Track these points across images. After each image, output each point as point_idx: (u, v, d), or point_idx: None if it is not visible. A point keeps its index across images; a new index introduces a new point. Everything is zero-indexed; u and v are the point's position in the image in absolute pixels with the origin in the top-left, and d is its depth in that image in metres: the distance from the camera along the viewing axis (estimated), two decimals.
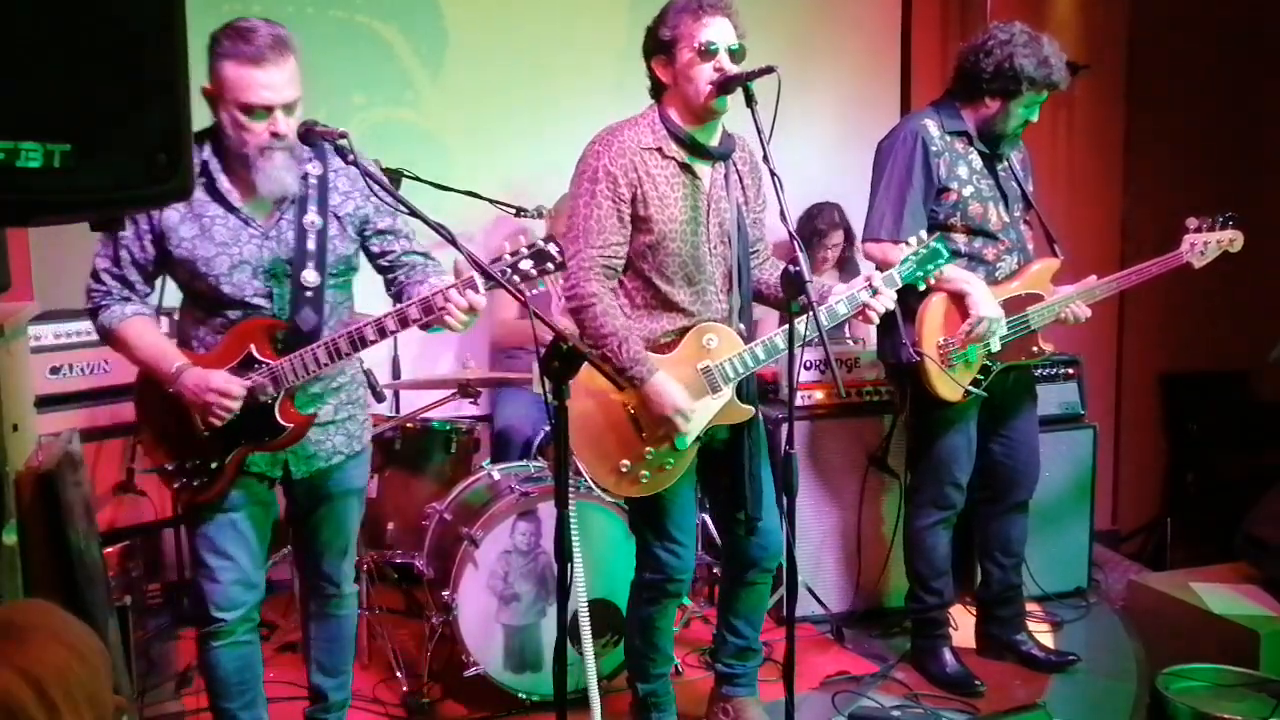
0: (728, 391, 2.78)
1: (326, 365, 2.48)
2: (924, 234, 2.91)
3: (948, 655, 3.50)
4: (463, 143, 4.48)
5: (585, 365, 2.50)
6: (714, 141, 2.79)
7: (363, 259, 2.69)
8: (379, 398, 3.58)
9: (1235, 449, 4.98)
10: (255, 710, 2.74)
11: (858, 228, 3.42)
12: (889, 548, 3.91)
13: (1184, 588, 3.63)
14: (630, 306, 2.77)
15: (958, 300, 3.25)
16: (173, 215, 2.45)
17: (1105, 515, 4.90)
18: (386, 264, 2.67)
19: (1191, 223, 3.39)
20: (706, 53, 2.65)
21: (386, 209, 2.61)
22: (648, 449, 2.74)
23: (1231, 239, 3.38)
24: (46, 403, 3.43)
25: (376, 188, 2.37)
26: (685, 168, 2.75)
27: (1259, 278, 3.38)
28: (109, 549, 3.47)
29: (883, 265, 3.25)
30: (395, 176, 3.91)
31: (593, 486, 3.31)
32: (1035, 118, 3.27)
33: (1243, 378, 5.18)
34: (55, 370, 3.59)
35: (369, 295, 2.80)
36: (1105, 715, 3.32)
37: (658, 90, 2.80)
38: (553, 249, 2.41)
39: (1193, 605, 3.51)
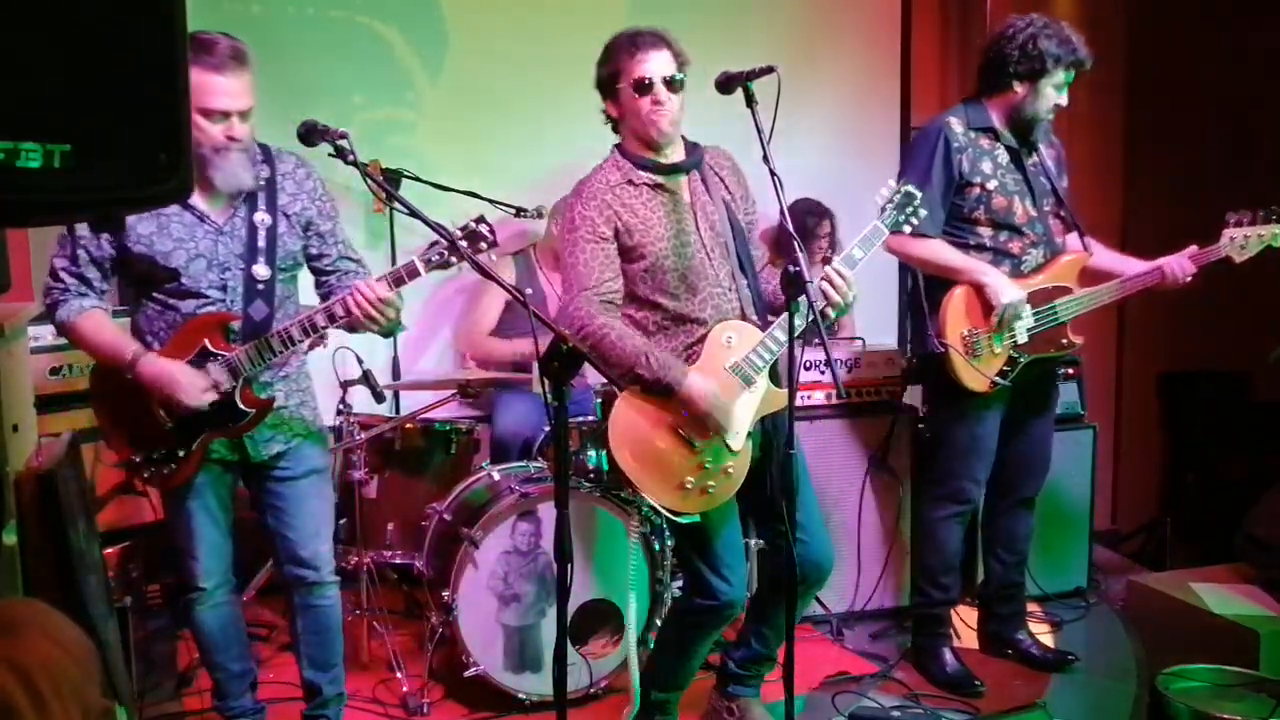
0: (762, 382, 2.78)
1: (281, 352, 2.65)
2: (892, 182, 2.91)
3: (948, 655, 3.50)
4: (462, 143, 4.48)
5: (623, 405, 2.67)
6: (678, 158, 2.83)
7: None
8: (379, 398, 3.58)
9: (1235, 449, 4.97)
10: (245, 661, 2.98)
11: (848, 226, 3.42)
12: (889, 548, 3.91)
13: (1184, 588, 3.62)
14: (646, 334, 2.78)
15: (980, 291, 3.27)
16: (130, 216, 2.57)
17: (1105, 515, 4.89)
18: (321, 266, 2.84)
19: (1231, 216, 3.36)
20: (643, 87, 2.71)
21: (329, 214, 2.80)
22: (705, 460, 2.73)
23: (1275, 234, 3.34)
24: (46, 403, 3.42)
25: (375, 187, 2.44)
26: (658, 188, 2.79)
27: (1259, 278, 3.37)
28: (109, 549, 3.46)
29: (898, 255, 3.29)
30: (395, 176, 3.91)
31: (592, 488, 3.31)
32: (1065, 100, 3.29)
33: (1243, 378, 5.18)
34: (55, 370, 3.59)
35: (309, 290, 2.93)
36: (1105, 715, 3.33)
37: (614, 127, 2.85)
38: (484, 229, 2.57)
39: (1193, 605, 3.51)
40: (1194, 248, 3.38)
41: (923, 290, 3.37)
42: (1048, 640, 3.74)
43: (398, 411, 4.13)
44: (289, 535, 2.84)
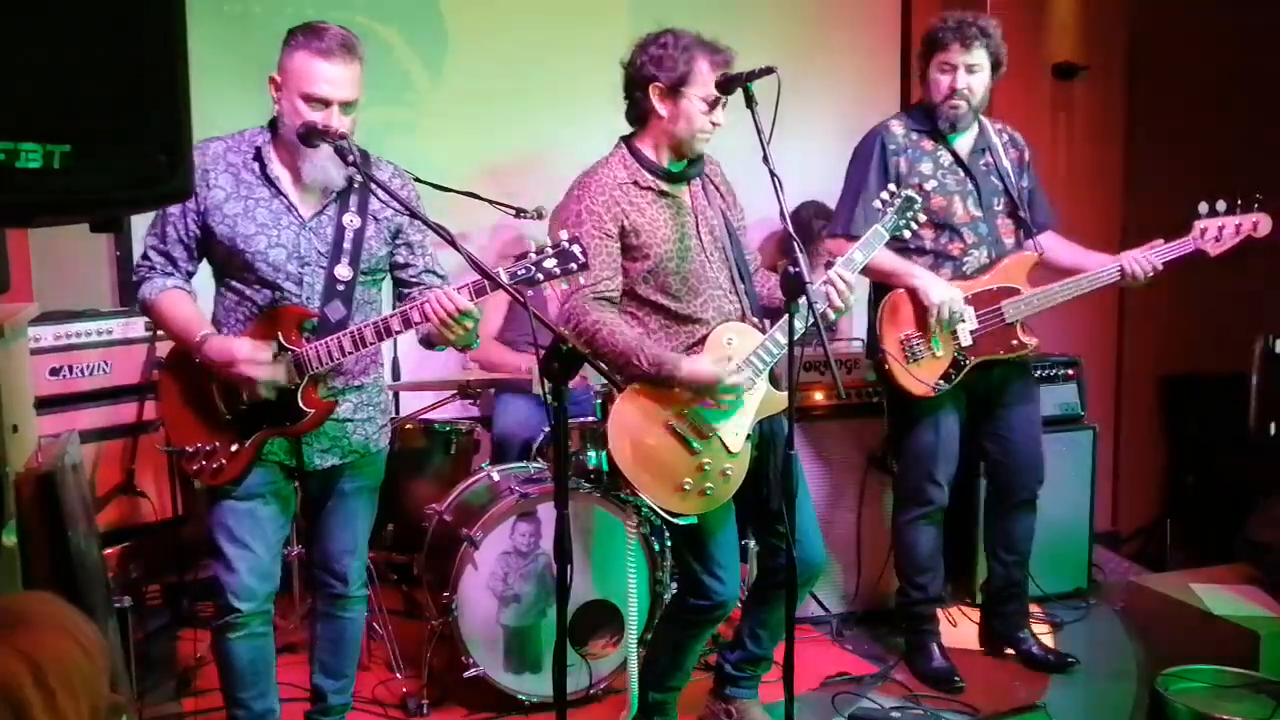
0: (762, 384, 2.79)
1: (350, 353, 2.56)
2: (893, 187, 2.93)
3: (933, 650, 3.53)
4: (462, 144, 4.47)
5: (622, 405, 2.66)
6: (684, 167, 2.84)
7: None
8: None
9: (1235, 451, 4.97)
10: (268, 700, 2.81)
11: None
12: (889, 548, 3.91)
13: (1184, 589, 3.63)
14: (647, 333, 2.78)
15: (915, 295, 3.26)
16: (219, 193, 2.56)
17: (1105, 516, 4.89)
18: (405, 277, 2.76)
19: (1204, 205, 3.17)
20: (715, 103, 2.71)
21: (420, 226, 2.69)
22: (704, 461, 2.73)
23: (1255, 222, 3.16)
24: (46, 403, 3.42)
25: (375, 188, 2.42)
26: (663, 193, 2.79)
27: (1259, 279, 3.36)
28: (109, 549, 3.47)
29: (836, 258, 3.29)
30: None
31: (592, 489, 3.31)
32: (961, 83, 3.23)
33: (1243, 379, 5.17)
34: (55, 371, 3.59)
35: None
36: (1105, 715, 3.33)
37: (641, 117, 2.80)
38: (576, 249, 2.47)
39: (1193, 606, 3.51)
40: (1159, 241, 3.22)
41: (869, 297, 3.40)
42: (1048, 641, 3.74)
43: (398, 411, 4.12)
44: (326, 545, 2.80)
